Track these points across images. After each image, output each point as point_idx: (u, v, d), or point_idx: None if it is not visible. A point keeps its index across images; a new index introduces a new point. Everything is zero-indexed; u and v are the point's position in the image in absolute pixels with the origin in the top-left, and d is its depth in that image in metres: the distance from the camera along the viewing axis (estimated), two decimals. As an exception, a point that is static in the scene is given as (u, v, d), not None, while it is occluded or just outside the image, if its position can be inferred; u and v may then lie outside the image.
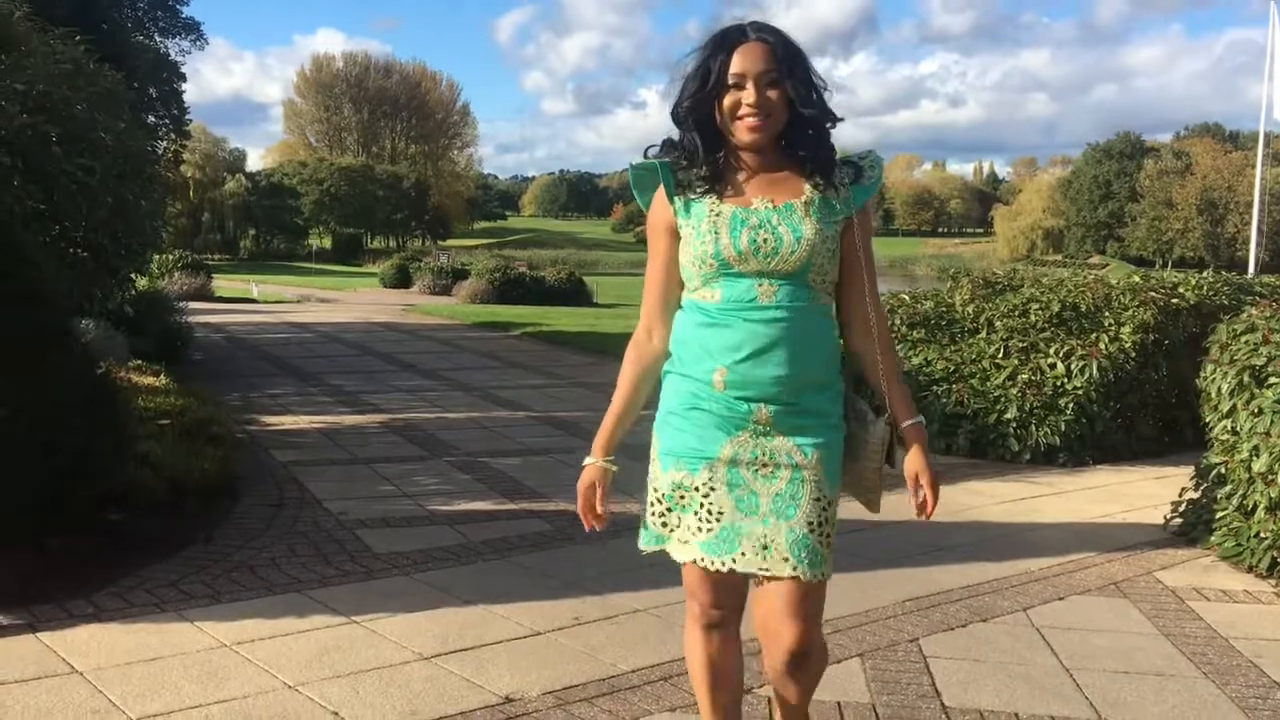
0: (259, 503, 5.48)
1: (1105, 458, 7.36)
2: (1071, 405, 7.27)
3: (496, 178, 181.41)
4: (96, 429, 4.37)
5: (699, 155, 2.34)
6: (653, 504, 2.42)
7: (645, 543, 2.45)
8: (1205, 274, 9.13)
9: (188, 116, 22.43)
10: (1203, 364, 5.67)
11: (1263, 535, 4.76)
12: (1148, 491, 6.52)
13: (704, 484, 2.35)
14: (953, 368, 7.66)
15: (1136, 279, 8.39)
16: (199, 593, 4.12)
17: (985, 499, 6.16)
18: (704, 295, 2.35)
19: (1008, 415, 7.28)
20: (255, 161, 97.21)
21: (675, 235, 2.38)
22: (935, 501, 2.39)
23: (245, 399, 8.58)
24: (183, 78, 21.04)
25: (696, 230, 2.32)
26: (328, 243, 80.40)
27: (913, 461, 2.38)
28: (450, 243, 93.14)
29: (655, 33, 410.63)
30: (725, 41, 2.31)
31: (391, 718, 3.13)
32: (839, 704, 3.33)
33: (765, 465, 2.32)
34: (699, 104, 2.32)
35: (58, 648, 3.54)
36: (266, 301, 22.76)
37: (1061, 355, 7.45)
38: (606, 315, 19.57)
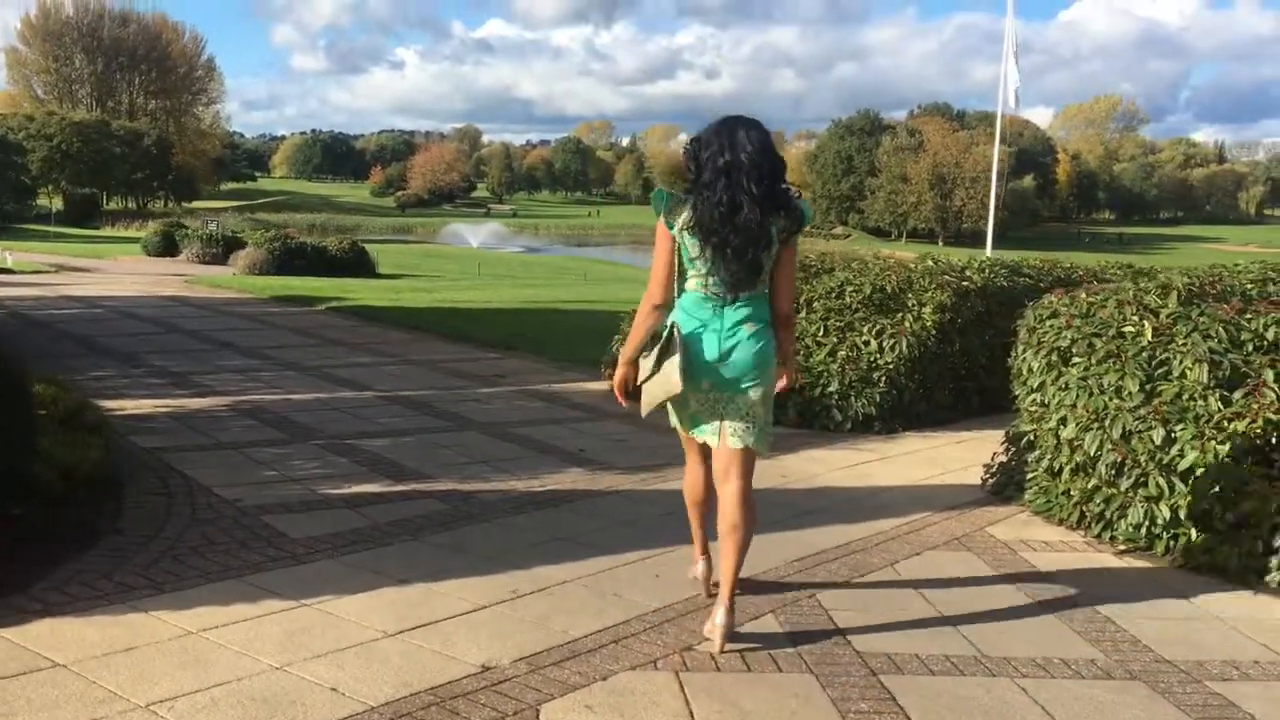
0: (146, 491, 5.48)
1: (911, 424, 8.22)
2: (884, 379, 8.09)
3: (243, 136, 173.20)
4: (11, 422, 4.34)
5: None
6: None
7: None
8: (984, 258, 10.20)
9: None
10: (1013, 344, 6.53)
11: (1071, 493, 5.60)
12: (954, 455, 7.39)
13: None
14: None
15: (930, 263, 9.30)
16: (139, 584, 4.20)
17: (825, 466, 6.85)
18: None
19: (830, 389, 8.03)
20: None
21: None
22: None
23: (70, 383, 8.27)
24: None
25: None
26: (58, 203, 74.61)
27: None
28: (197, 204, 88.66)
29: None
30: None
31: (387, 690, 3.41)
32: (770, 655, 3.84)
33: None
34: None
35: (25, 643, 3.60)
36: (23, 271, 21.29)
37: (874, 334, 8.26)
38: (405, 289, 19.46)
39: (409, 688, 3.43)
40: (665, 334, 3.84)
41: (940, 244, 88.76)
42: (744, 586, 4.47)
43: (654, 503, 5.81)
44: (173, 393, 8.22)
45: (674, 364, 3.78)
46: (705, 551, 4.35)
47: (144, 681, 3.37)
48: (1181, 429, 5.07)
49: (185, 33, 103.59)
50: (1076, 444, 5.53)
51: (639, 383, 3.96)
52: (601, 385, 9.38)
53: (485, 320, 14.16)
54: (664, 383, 3.83)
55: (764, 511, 5.62)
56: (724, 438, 3.88)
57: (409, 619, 4.00)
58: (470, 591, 4.31)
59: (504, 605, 4.20)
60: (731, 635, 3.86)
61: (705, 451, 4.07)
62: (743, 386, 3.84)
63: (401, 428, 7.39)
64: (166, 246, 28.71)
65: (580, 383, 9.61)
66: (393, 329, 12.92)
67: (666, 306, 3.90)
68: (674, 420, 4.11)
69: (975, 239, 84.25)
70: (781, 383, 4.06)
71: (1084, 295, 6.20)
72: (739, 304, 3.81)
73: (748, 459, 3.90)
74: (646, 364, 3.90)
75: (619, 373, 4.08)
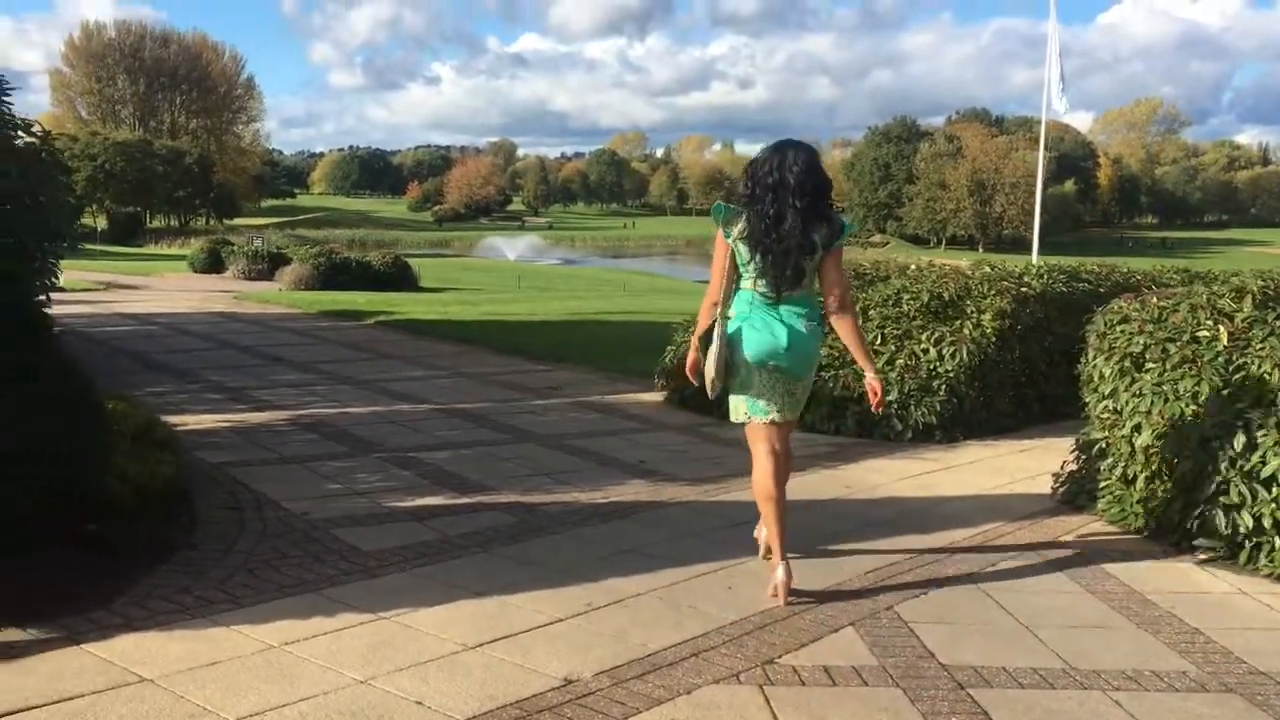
0: (216, 505, 5.51)
1: (971, 433, 8.11)
2: (944, 387, 7.99)
3: (282, 153, 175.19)
4: (87, 440, 4.37)
5: None
6: None
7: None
8: (1040, 263, 10.09)
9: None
10: (1077, 351, 6.44)
11: (1148, 501, 5.50)
12: (1019, 464, 7.28)
13: None
14: (836, 354, 8.27)
15: (987, 269, 9.21)
16: (217, 598, 4.21)
17: (888, 476, 6.77)
18: None
19: (890, 398, 7.94)
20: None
21: None
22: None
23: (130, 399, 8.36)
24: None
25: None
26: (103, 222, 75.66)
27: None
28: (238, 221, 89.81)
29: (449, 4, 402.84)
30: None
31: (473, 704, 3.38)
32: (854, 668, 3.78)
33: None
34: None
35: (112, 658, 3.61)
36: (74, 289, 21.53)
37: (933, 341, 8.17)
38: (451, 302, 19.54)
39: (494, 701, 3.41)
40: (712, 329, 4.46)
41: (980, 250, 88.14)
42: (820, 598, 4.45)
43: (719, 514, 5.77)
44: (232, 408, 8.28)
45: (712, 355, 4.41)
46: (785, 555, 4.44)
47: (232, 695, 3.37)
48: (1263, 435, 4.96)
49: (225, 52, 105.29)
50: (1152, 451, 5.44)
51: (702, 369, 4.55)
52: (656, 396, 9.36)
53: (533, 332, 14.18)
54: (708, 369, 4.44)
55: (831, 522, 5.64)
56: (772, 414, 4.51)
57: (487, 631, 3.98)
58: (545, 604, 4.28)
59: (580, 618, 4.17)
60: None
61: (773, 443, 4.50)
62: (798, 374, 4.46)
63: (460, 440, 7.39)
64: (212, 263, 29.01)
65: (634, 394, 9.58)
66: (442, 342, 12.96)
67: (723, 302, 4.47)
68: (742, 414, 4.54)
69: (1015, 245, 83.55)
70: (873, 390, 4.63)
71: (1155, 300, 6.10)
72: (789, 303, 4.38)
73: (788, 429, 4.62)
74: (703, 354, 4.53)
75: (690, 356, 4.62)
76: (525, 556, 4.93)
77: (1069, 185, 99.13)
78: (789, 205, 4.30)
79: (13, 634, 3.74)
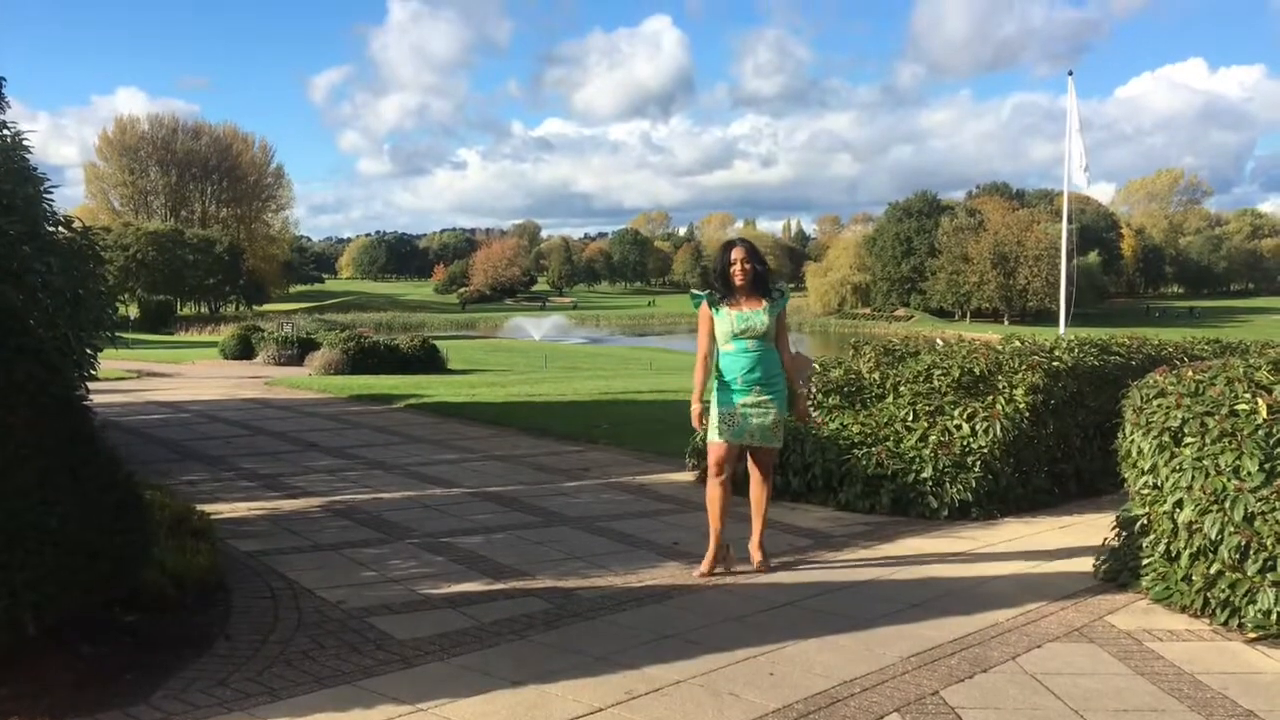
0: (251, 595, 5.50)
1: (1008, 510, 8.02)
2: (979, 463, 7.92)
3: (311, 240, 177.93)
4: (129, 531, 4.38)
5: (721, 291, 6.20)
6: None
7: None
8: (1070, 336, 10.06)
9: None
10: (1111, 425, 6.38)
11: (1192, 578, 5.40)
12: (1058, 541, 7.18)
13: (734, 412, 6.12)
14: (869, 431, 8.24)
15: (1017, 344, 9.18)
16: (254, 690, 4.18)
17: (926, 555, 6.69)
18: (727, 347, 6.16)
19: (924, 475, 7.88)
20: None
21: (713, 322, 6.19)
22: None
23: (168, 489, 8.39)
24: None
25: (722, 321, 6.15)
26: (133, 310, 76.76)
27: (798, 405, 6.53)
28: (267, 307, 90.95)
29: (474, 92, 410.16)
30: (729, 245, 6.28)
31: (515, 799, 3.32)
32: (902, 756, 3.70)
33: (758, 407, 6.12)
34: (722, 271, 6.20)
35: (151, 756, 3.58)
36: (107, 378, 21.75)
37: (965, 417, 8.12)
38: (479, 384, 19.60)
39: (537, 796, 3.34)
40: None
41: (1006, 323, 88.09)
42: (863, 684, 4.37)
43: (757, 597, 5.70)
44: (266, 495, 8.29)
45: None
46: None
47: (270, 793, 3.33)
48: (1309, 509, 4.88)
49: (255, 143, 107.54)
50: (1195, 527, 5.35)
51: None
52: (687, 476, 9.32)
53: (562, 413, 14.19)
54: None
55: (870, 605, 5.56)
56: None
57: (527, 723, 3.92)
58: (584, 693, 4.22)
59: (620, 707, 4.10)
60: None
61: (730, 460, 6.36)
62: None
63: (493, 524, 7.36)
64: (243, 349, 29.31)
65: (665, 474, 9.54)
66: (472, 425, 12.98)
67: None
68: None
69: (1041, 317, 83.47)
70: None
71: (1190, 373, 6.05)
72: None
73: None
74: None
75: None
76: (562, 644, 4.87)
77: (1093, 256, 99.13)
78: None
79: (52, 731, 3.72)
